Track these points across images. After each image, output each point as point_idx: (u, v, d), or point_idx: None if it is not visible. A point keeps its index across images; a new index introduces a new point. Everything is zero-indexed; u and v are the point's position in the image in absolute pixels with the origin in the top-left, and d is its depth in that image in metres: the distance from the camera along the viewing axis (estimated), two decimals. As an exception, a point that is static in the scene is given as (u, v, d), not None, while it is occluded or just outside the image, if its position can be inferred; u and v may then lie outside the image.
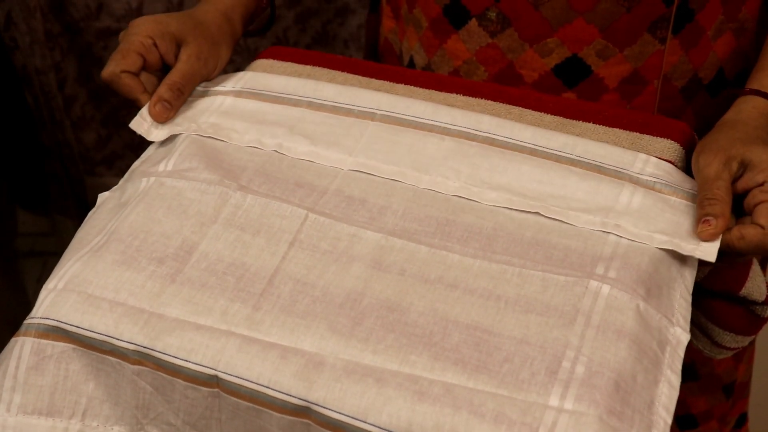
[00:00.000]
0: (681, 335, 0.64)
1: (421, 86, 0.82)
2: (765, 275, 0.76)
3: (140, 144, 0.80)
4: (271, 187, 0.73)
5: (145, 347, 0.62)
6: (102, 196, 0.77)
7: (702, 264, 0.69)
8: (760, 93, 0.76)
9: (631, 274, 0.65)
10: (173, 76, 0.80)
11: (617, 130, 0.76)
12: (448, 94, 0.80)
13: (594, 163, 0.73)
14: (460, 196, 0.72)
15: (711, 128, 0.77)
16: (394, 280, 0.66)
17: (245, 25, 0.92)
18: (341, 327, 0.63)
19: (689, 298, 0.67)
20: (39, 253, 1.77)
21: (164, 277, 0.66)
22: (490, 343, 0.61)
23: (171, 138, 0.79)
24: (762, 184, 0.67)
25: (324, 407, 0.59)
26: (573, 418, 0.56)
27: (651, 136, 0.75)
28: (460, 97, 0.80)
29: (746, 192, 0.69)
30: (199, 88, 0.83)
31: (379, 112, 0.78)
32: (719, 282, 0.72)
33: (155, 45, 0.81)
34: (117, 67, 0.79)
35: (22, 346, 0.65)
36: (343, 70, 0.84)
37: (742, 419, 1.12)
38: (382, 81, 0.82)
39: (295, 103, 0.80)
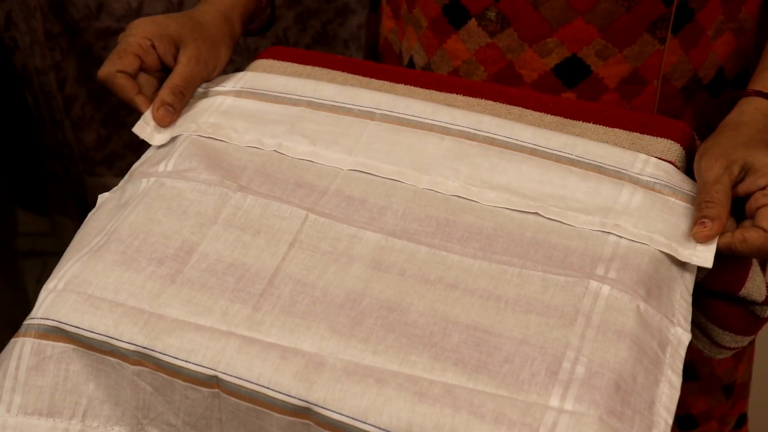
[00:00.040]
0: (682, 335, 0.64)
1: (421, 86, 0.81)
2: (765, 275, 0.76)
3: (140, 144, 0.80)
4: (271, 187, 0.73)
5: (145, 348, 0.62)
6: (102, 197, 0.77)
7: (702, 264, 0.69)
8: (762, 94, 0.76)
9: (631, 275, 0.65)
10: (174, 80, 0.80)
11: (617, 130, 0.76)
12: (448, 94, 0.80)
13: (594, 163, 0.73)
14: (460, 196, 0.72)
15: (711, 128, 0.77)
16: (394, 281, 0.66)
17: (245, 25, 0.92)
18: (341, 327, 0.63)
19: (689, 299, 0.67)
20: (39, 253, 1.77)
21: (164, 277, 0.66)
22: (490, 344, 0.61)
23: (171, 138, 0.79)
24: (764, 188, 0.67)
25: (324, 408, 0.59)
26: (573, 419, 0.56)
27: (651, 137, 0.75)
28: (460, 97, 0.80)
29: (748, 195, 0.69)
30: (199, 89, 0.83)
31: (378, 111, 0.78)
32: (719, 282, 0.72)
33: (153, 46, 0.81)
34: (113, 67, 0.79)
35: (22, 346, 0.65)
36: (343, 70, 0.84)
37: (742, 419, 1.12)
38: (382, 81, 0.82)
39: (295, 102, 0.80)
